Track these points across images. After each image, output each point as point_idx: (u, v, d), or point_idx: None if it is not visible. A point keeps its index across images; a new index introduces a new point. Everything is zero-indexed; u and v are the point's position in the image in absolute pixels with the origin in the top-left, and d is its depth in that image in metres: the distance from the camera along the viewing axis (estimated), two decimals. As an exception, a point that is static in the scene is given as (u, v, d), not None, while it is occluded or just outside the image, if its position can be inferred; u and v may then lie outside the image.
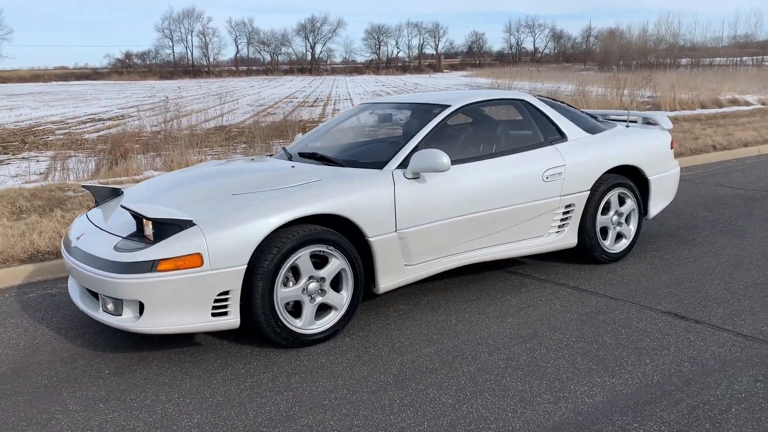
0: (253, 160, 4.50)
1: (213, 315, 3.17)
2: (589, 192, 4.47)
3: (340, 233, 3.52)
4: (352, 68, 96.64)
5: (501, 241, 4.18)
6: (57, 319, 3.94)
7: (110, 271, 3.12)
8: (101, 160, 10.36)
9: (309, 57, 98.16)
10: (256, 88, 47.11)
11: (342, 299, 3.52)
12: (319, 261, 3.45)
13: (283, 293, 3.30)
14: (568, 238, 4.48)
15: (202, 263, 3.09)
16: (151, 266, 3.05)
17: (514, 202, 4.12)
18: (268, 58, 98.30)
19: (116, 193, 4.11)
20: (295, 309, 3.43)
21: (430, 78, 63.13)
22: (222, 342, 3.53)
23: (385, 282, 3.69)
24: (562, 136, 4.49)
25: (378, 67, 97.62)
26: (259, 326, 3.29)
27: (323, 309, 3.52)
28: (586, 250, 4.59)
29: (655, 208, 4.99)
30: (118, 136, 11.09)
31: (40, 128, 19.94)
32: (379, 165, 3.81)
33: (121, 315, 3.18)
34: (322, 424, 2.68)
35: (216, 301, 3.16)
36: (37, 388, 3.07)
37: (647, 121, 5.26)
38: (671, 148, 5.06)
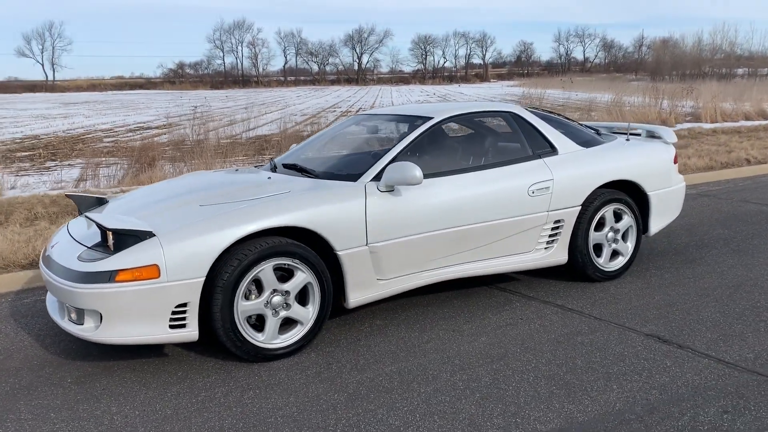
0: (237, 171, 4.51)
1: (171, 327, 3.17)
2: (580, 207, 4.32)
3: (309, 246, 3.48)
4: (398, 78, 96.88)
5: (484, 256, 4.07)
6: (39, 326, 4.00)
7: (72, 280, 3.15)
8: (129, 168, 10.63)
9: (356, 67, 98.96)
10: (302, 97, 47.61)
11: (308, 314, 3.47)
12: (286, 274, 3.42)
13: (244, 306, 3.27)
14: (558, 255, 4.33)
15: (159, 275, 3.09)
16: (110, 276, 3.07)
17: (497, 217, 4.00)
18: (315, 68, 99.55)
19: (101, 202, 4.16)
20: (259, 322, 3.40)
21: (459, 87, 62.86)
22: (189, 353, 3.52)
23: (356, 296, 3.63)
24: (552, 150, 4.36)
25: (424, 77, 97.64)
26: (220, 339, 3.27)
27: (289, 323, 3.48)
28: (579, 268, 4.43)
29: (656, 224, 4.79)
30: (146, 144, 11.34)
31: (90, 136, 20.55)
32: (354, 177, 3.76)
33: (82, 324, 3.20)
34: (260, 442, 2.64)
35: (174, 313, 3.15)
36: (-3, 395, 3.11)
37: (652, 135, 5.06)
38: (675, 162, 4.85)
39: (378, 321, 3.93)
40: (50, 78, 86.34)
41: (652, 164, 4.68)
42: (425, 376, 3.18)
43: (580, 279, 4.52)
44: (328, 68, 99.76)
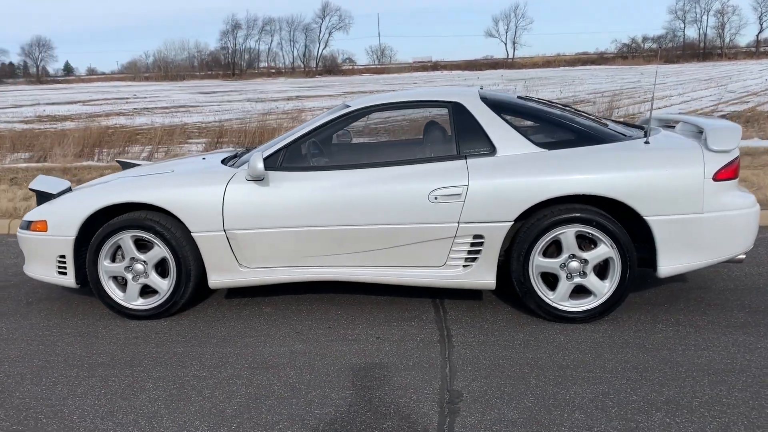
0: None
1: (58, 273, 3.91)
2: (511, 223, 3.44)
3: (178, 224, 3.76)
4: None
5: (380, 263, 3.65)
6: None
7: (20, 226, 4.16)
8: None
9: None
10: (765, 71, 41.14)
11: (165, 285, 3.79)
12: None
13: (107, 267, 3.80)
14: (480, 277, 3.55)
15: (47, 229, 3.85)
16: (27, 225, 3.97)
17: (383, 221, 3.54)
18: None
19: (145, 168, 5.10)
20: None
21: None
22: (110, 300, 4.21)
23: (215, 279, 3.77)
24: (490, 150, 3.54)
25: None
26: (96, 291, 3.89)
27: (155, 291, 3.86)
28: (520, 299, 3.54)
29: (670, 263, 3.40)
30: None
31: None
32: (241, 164, 3.84)
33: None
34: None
35: (58, 262, 3.88)
36: (-16, 299, 4.35)
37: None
38: (719, 178, 3.33)
39: (267, 309, 3.95)
40: (510, 56, 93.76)
41: (661, 178, 3.33)
42: (154, 364, 3.23)
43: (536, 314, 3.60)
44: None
